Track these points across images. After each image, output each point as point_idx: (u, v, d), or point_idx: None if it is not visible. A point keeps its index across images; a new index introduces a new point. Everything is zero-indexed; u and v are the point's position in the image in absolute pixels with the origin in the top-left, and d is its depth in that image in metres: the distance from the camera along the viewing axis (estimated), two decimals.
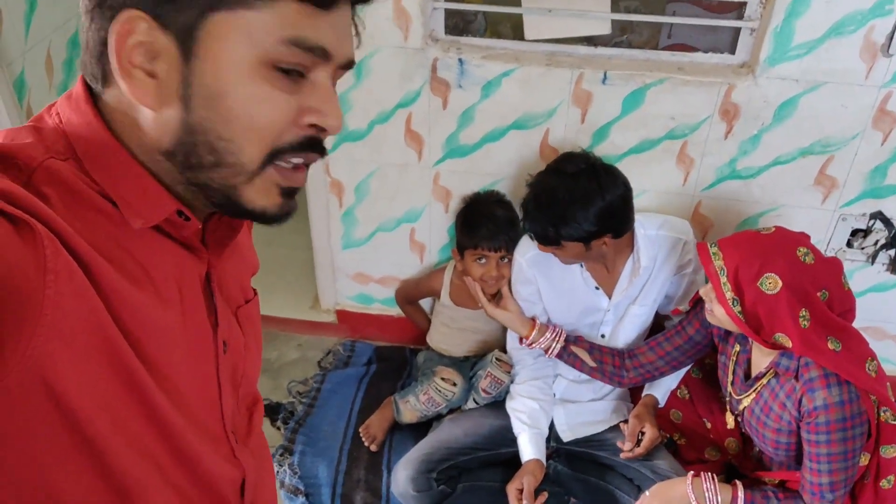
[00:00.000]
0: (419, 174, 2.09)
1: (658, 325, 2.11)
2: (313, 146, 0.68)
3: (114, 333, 0.64)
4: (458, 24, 1.92)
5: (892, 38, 1.67)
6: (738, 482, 1.65)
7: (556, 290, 1.94)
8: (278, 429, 2.22)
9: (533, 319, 1.94)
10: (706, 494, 1.63)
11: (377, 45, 1.87)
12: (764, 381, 1.63)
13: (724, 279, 1.51)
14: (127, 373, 0.66)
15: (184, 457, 0.76)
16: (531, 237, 1.79)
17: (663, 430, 1.98)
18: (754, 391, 1.66)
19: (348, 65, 0.70)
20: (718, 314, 1.56)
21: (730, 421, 1.79)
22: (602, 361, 1.91)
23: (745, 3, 1.77)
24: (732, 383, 1.74)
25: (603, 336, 1.99)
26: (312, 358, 2.45)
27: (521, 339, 1.94)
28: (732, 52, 1.83)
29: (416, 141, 2.03)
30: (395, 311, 2.42)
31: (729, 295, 1.50)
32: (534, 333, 1.90)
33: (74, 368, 0.61)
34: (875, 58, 1.71)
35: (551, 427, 2.01)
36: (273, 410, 2.26)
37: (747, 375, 1.70)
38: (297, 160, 0.68)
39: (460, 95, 1.93)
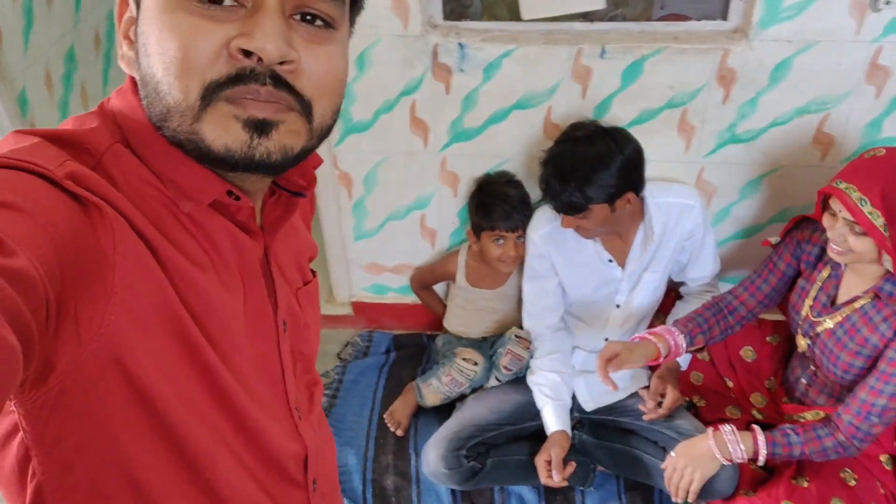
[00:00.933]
0: (426, 161, 2.13)
1: (669, 290, 2.16)
2: (252, 77, 0.61)
3: (180, 311, 0.66)
4: (456, 9, 1.96)
5: None
6: (755, 427, 1.70)
7: (570, 264, 1.99)
8: None
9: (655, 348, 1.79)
10: (728, 445, 1.68)
11: (377, 34, 1.91)
12: (856, 304, 1.67)
13: (868, 208, 1.50)
14: (193, 350, 0.68)
15: (248, 432, 0.78)
16: (558, 210, 1.81)
17: (683, 393, 2.02)
18: (841, 314, 1.69)
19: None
20: (862, 248, 1.55)
21: (802, 344, 1.81)
22: (710, 332, 1.85)
23: None
24: (812, 307, 1.77)
25: (618, 306, 2.03)
26: (331, 351, 2.48)
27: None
28: (725, 17, 1.87)
29: (422, 128, 2.07)
30: (411, 298, 2.46)
31: (880, 222, 1.50)
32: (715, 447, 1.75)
33: (144, 345, 0.63)
34: (864, 13, 1.76)
35: (573, 398, 2.05)
36: None
37: (832, 300, 1.74)
38: (243, 95, 0.62)
39: (462, 79, 1.97)
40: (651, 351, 1.76)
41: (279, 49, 0.61)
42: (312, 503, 0.93)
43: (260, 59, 0.61)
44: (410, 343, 2.48)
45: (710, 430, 1.73)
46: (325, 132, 0.70)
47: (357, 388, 2.33)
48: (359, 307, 2.51)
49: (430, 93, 2.00)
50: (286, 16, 0.63)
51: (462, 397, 2.15)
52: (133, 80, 0.68)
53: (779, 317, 2.03)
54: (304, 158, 0.69)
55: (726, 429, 1.70)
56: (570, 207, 1.78)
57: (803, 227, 1.80)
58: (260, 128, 0.63)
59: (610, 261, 1.95)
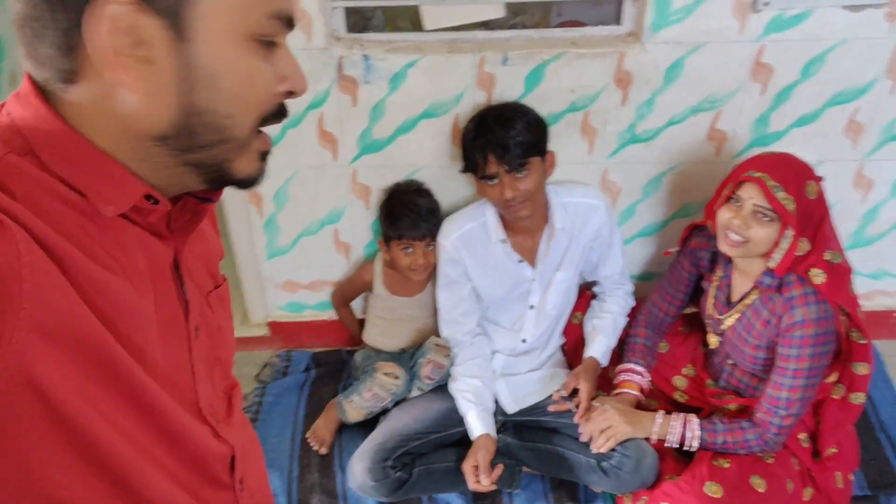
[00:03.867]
0: (336, 174, 2.12)
1: (582, 293, 2.22)
2: (284, 110, 0.72)
3: (92, 322, 0.64)
4: (359, 22, 1.97)
5: None
6: (691, 416, 1.85)
7: (482, 267, 2.01)
8: None
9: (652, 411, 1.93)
10: (669, 432, 1.83)
11: None
12: (747, 300, 1.79)
13: (783, 194, 1.61)
14: (108, 359, 0.66)
15: (171, 437, 0.77)
16: (505, 161, 1.80)
17: (601, 389, 2.08)
18: (737, 311, 1.81)
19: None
20: (760, 237, 1.65)
21: (713, 341, 1.94)
22: (656, 348, 2.11)
23: None
24: (714, 306, 1.89)
25: (532, 307, 2.07)
26: (248, 374, 2.43)
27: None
28: (619, 22, 1.95)
29: (330, 141, 2.06)
30: (328, 315, 2.43)
31: (791, 207, 1.61)
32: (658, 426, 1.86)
33: (56, 361, 0.61)
34: (745, 14, 1.86)
35: (496, 402, 2.07)
36: None
37: (728, 300, 1.86)
38: (274, 124, 0.72)
39: (368, 91, 1.97)
40: (633, 400, 1.97)
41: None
42: (241, 503, 0.91)
43: (293, 94, 0.71)
44: (330, 360, 2.44)
45: (661, 411, 1.87)
46: None
47: (277, 409, 2.28)
48: (276, 327, 2.47)
49: (336, 105, 1.99)
50: None
51: (385, 411, 2.13)
52: (34, 84, 0.65)
53: (692, 309, 2.12)
54: None
55: (673, 417, 1.83)
56: (519, 150, 1.79)
57: (695, 235, 1.94)
58: (266, 157, 0.74)
59: (520, 261, 1.99)
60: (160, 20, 0.61)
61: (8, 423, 0.59)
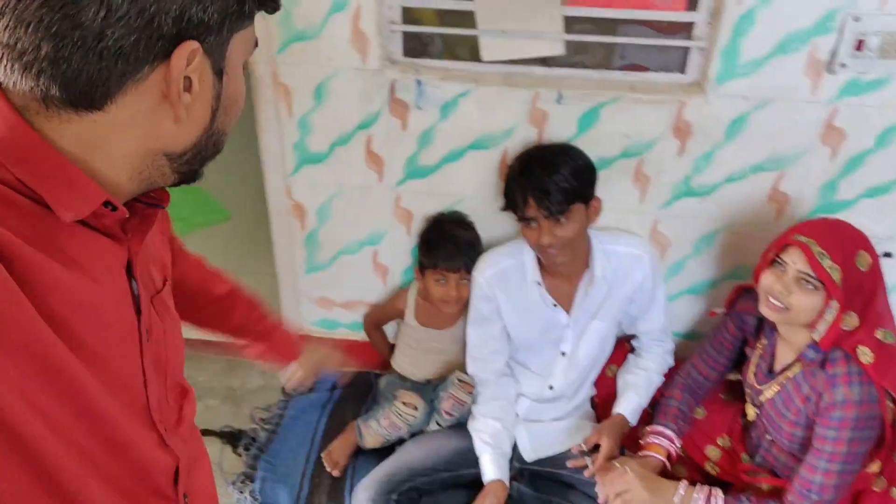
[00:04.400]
0: (381, 196, 2.10)
1: (619, 345, 2.13)
2: None
3: (39, 327, 0.64)
4: (417, 46, 1.95)
5: (834, 56, 1.72)
6: (717, 490, 1.70)
7: (515, 307, 1.95)
8: (239, 455, 2.19)
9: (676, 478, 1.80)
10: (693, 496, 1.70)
11: (336, 67, 1.90)
12: (789, 373, 1.68)
13: (828, 262, 1.52)
14: (54, 366, 0.66)
15: (116, 444, 0.76)
16: (545, 207, 1.73)
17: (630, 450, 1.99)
18: (777, 383, 1.71)
19: None
20: (803, 305, 1.56)
21: (750, 413, 1.83)
22: (691, 413, 1.96)
23: (693, 24, 1.81)
24: (755, 375, 1.79)
25: (564, 353, 1.99)
26: (276, 385, 2.42)
27: None
28: (683, 71, 1.88)
29: (377, 162, 2.04)
30: (360, 335, 2.41)
31: (837, 276, 1.52)
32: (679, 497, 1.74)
33: None
34: (820, 75, 1.76)
35: (514, 447, 2.00)
36: (234, 437, 2.23)
37: (770, 370, 1.76)
38: None
39: (419, 116, 1.95)
40: (658, 466, 1.85)
41: None
42: None
43: None
44: (357, 381, 2.41)
45: (684, 481, 1.74)
46: None
47: (297, 425, 2.26)
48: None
49: (386, 128, 1.98)
50: None
51: (402, 441, 2.09)
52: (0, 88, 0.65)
53: (736, 376, 2.01)
54: None
55: (697, 489, 1.71)
56: (560, 197, 1.72)
57: (743, 298, 1.85)
58: None
59: (555, 305, 1.92)
60: (209, 61, 0.68)
61: None
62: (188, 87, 0.67)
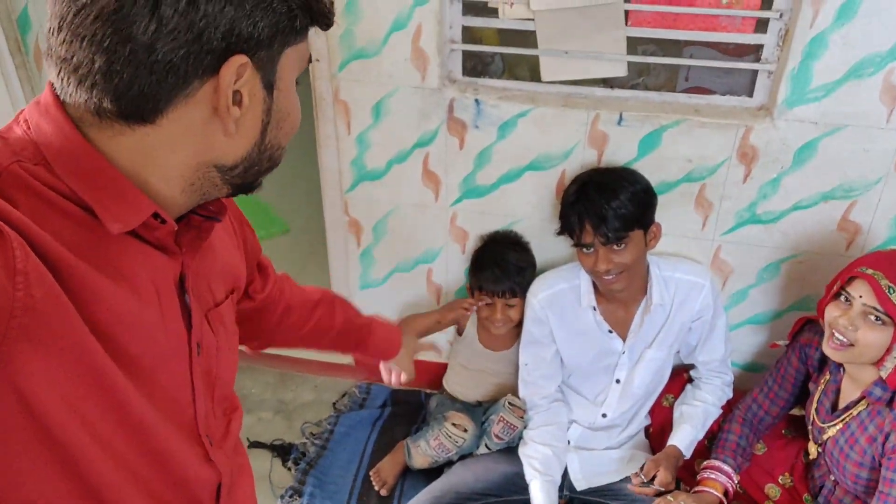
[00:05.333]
0: (436, 214, 2.10)
1: (677, 374, 2.06)
2: None
3: (84, 335, 0.64)
4: (477, 66, 1.95)
5: None
6: None
7: (569, 332, 1.91)
8: (289, 469, 2.19)
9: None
10: None
11: (395, 85, 1.90)
12: (854, 411, 1.61)
13: (886, 282, 1.46)
14: (97, 374, 0.67)
15: (157, 457, 0.77)
16: (602, 233, 1.69)
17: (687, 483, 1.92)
18: (842, 421, 1.64)
19: None
20: (869, 341, 1.49)
21: (812, 451, 1.76)
22: (751, 449, 1.89)
23: (761, 46, 1.76)
24: (818, 412, 1.72)
25: (618, 381, 1.94)
26: (328, 400, 2.43)
27: None
28: (750, 94, 1.82)
29: (433, 181, 2.04)
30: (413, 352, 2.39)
31: None
32: None
33: (44, 371, 0.61)
34: (895, 101, 1.69)
35: (564, 475, 1.95)
36: (285, 451, 2.24)
37: (834, 406, 1.69)
38: None
39: (477, 136, 1.94)
40: (714, 502, 1.77)
41: None
42: None
43: None
44: (408, 399, 2.41)
45: None
46: None
47: (347, 441, 2.26)
48: (360, 358, 2.46)
49: (443, 146, 1.97)
50: None
51: (450, 463, 2.07)
52: (56, 94, 0.67)
53: (800, 411, 1.93)
54: None
55: None
56: (618, 223, 1.68)
57: (807, 330, 1.77)
58: None
59: (610, 331, 1.88)
60: (259, 75, 0.69)
61: None
62: (238, 101, 0.68)
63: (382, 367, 1.65)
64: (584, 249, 1.76)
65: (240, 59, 0.65)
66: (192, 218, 0.77)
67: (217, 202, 0.79)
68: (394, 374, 1.64)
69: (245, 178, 0.75)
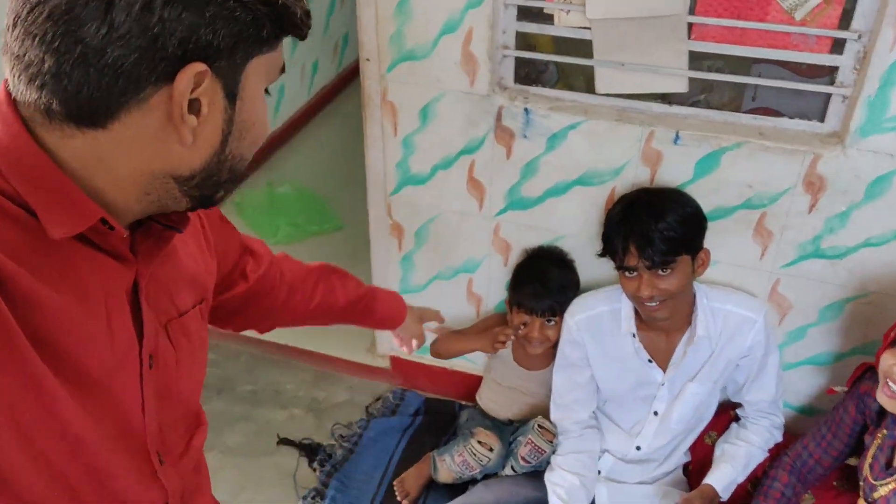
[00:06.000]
0: (479, 224, 2.03)
1: (723, 411, 1.94)
2: None
3: (19, 343, 0.61)
4: (531, 73, 1.87)
5: None
6: None
7: (605, 357, 1.82)
8: (314, 470, 2.17)
9: None
10: None
11: (444, 88, 1.84)
12: None
13: None
14: (35, 385, 0.64)
15: (97, 474, 0.73)
16: (647, 258, 1.59)
17: None
18: (895, 480, 1.51)
19: None
20: None
21: None
22: (797, 500, 1.77)
23: (836, 68, 1.62)
24: (871, 468, 1.59)
25: (656, 413, 1.84)
26: (361, 402, 2.40)
27: None
28: (821, 119, 1.68)
29: (478, 189, 1.97)
30: (449, 362, 2.34)
31: None
32: None
33: None
34: None
35: None
36: (312, 451, 2.21)
37: (889, 463, 1.56)
38: None
39: (525, 146, 1.86)
40: None
41: None
42: None
43: None
44: (441, 409, 2.35)
45: None
46: None
47: (375, 447, 2.22)
48: (397, 363, 2.42)
49: (490, 155, 1.91)
50: None
51: (475, 481, 2.00)
52: (8, 92, 0.64)
53: (856, 461, 1.78)
54: None
55: None
56: (665, 247, 1.58)
57: (868, 378, 1.62)
58: None
59: (649, 361, 1.77)
60: (220, 84, 0.65)
61: None
62: (197, 110, 0.64)
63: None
64: (627, 273, 1.67)
65: (197, 67, 0.62)
66: (152, 226, 0.74)
67: (179, 212, 0.75)
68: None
69: (203, 189, 0.71)
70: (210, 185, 0.71)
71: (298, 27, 0.69)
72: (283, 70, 0.73)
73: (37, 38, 0.59)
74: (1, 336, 0.60)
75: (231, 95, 0.67)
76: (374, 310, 1.46)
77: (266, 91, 0.73)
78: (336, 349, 2.48)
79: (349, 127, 3.29)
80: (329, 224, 3.06)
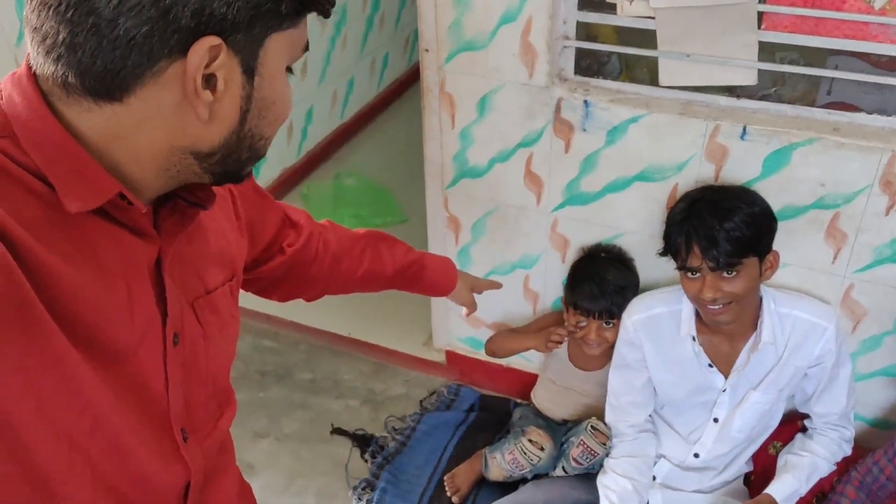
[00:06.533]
0: (536, 219, 1.99)
1: (790, 420, 1.85)
2: None
3: (40, 315, 0.62)
4: (592, 65, 1.81)
5: None
6: None
7: (663, 359, 1.75)
8: (366, 461, 2.17)
9: None
10: None
11: (502, 80, 1.81)
12: None
13: None
14: (55, 357, 0.64)
15: (117, 448, 0.73)
16: (712, 259, 1.52)
17: None
18: None
19: None
20: None
21: None
22: None
23: None
24: None
25: (716, 420, 1.76)
26: (416, 396, 2.39)
27: None
28: None
29: (536, 183, 1.93)
30: (504, 360, 2.30)
31: None
32: None
33: None
34: None
35: None
36: (364, 442, 2.22)
37: None
38: None
39: (584, 139, 1.81)
40: None
41: None
42: None
43: None
44: (496, 406, 2.32)
45: None
46: None
47: (427, 442, 2.21)
48: (453, 357, 2.40)
49: (548, 148, 1.86)
50: None
51: (525, 480, 1.96)
52: (30, 66, 0.65)
53: None
54: None
55: None
56: (730, 248, 1.51)
57: None
58: None
59: (710, 366, 1.70)
60: (237, 59, 0.64)
61: None
62: (213, 86, 0.63)
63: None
64: (690, 274, 1.60)
65: (211, 41, 0.61)
66: (177, 202, 0.74)
67: (205, 189, 0.75)
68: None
69: (225, 166, 0.71)
70: (232, 163, 0.71)
71: (320, 3, 0.67)
72: (306, 48, 0.72)
73: (52, 9, 0.60)
74: (21, 307, 0.60)
75: (249, 71, 0.66)
76: (423, 277, 1.46)
77: (289, 69, 0.71)
78: (393, 342, 2.48)
79: (417, 121, 3.29)
80: (393, 217, 3.07)
